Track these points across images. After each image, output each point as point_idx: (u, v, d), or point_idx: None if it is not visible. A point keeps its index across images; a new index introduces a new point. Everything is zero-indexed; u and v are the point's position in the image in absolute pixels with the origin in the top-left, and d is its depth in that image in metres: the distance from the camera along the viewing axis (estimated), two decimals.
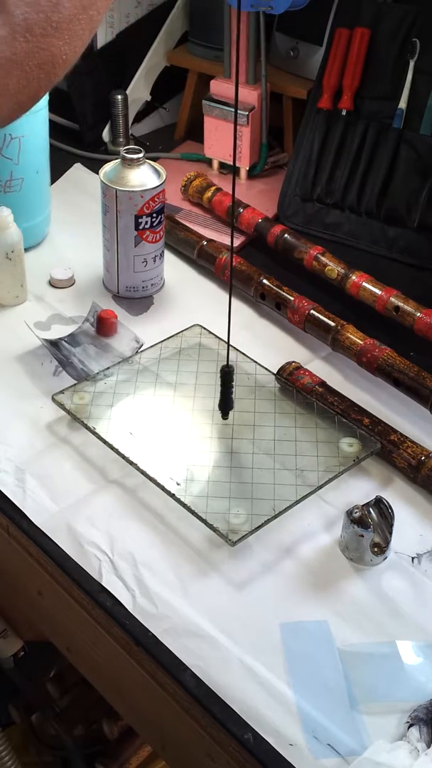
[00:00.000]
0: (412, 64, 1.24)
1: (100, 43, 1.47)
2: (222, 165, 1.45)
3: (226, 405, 0.95)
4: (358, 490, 0.96)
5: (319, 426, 1.00)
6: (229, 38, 1.35)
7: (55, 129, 1.34)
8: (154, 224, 1.15)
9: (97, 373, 1.06)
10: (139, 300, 1.21)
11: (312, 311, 1.11)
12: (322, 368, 1.10)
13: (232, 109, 1.33)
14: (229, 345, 0.91)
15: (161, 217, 1.16)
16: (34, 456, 0.98)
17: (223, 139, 1.42)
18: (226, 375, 0.92)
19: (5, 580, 1.06)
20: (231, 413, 0.96)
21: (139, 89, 1.50)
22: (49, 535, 0.90)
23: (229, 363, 0.92)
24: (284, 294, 1.15)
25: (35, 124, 1.20)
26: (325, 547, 0.90)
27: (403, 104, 1.25)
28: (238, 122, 1.37)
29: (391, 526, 0.89)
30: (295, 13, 1.25)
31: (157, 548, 0.89)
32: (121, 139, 1.49)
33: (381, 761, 0.71)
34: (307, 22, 1.36)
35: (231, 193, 1.31)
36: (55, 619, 0.98)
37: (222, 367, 0.92)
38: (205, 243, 1.25)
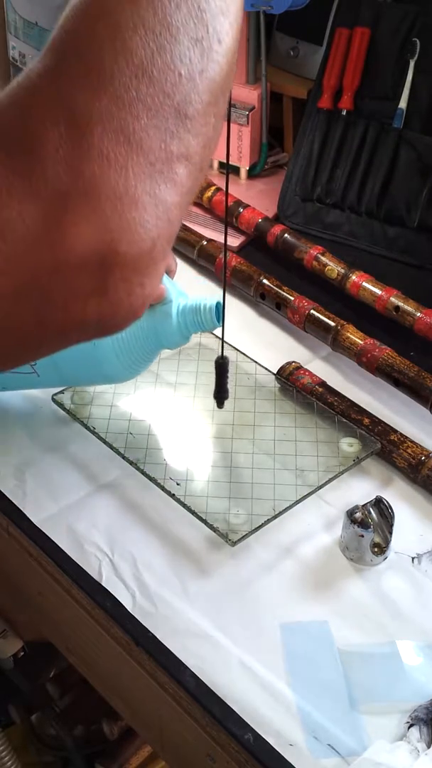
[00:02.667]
0: (412, 64, 1.24)
1: None
2: (222, 165, 1.45)
3: (221, 395, 0.92)
4: (358, 490, 0.95)
5: (319, 426, 1.00)
6: None
7: None
8: None
9: None
10: None
11: (312, 311, 1.11)
12: (322, 368, 1.10)
13: (233, 109, 1.33)
14: (222, 344, 0.90)
15: None
16: (34, 456, 0.98)
17: (223, 138, 1.42)
18: (221, 366, 0.90)
19: (5, 580, 1.06)
20: (231, 413, 0.96)
21: None
22: (49, 535, 0.90)
23: (225, 356, 0.90)
24: (284, 294, 1.15)
25: None
26: (325, 547, 0.90)
27: (403, 104, 1.25)
28: (238, 122, 1.38)
29: (391, 526, 0.88)
30: (295, 13, 1.25)
31: (157, 548, 0.89)
32: None
33: (381, 761, 0.71)
34: (307, 22, 1.36)
35: (231, 193, 1.31)
36: (55, 619, 0.98)
37: (216, 359, 0.91)
38: (205, 243, 1.25)
